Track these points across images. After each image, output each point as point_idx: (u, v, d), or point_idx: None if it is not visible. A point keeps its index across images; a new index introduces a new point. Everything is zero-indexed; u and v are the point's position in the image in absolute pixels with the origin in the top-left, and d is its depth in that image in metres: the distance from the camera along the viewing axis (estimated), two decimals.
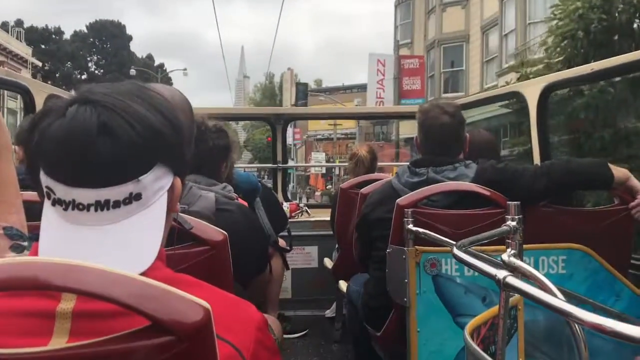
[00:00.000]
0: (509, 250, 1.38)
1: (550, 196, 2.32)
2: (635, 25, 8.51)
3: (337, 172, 29.55)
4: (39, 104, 3.13)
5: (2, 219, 1.17)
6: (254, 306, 0.89)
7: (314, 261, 4.57)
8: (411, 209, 2.10)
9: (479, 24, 21.94)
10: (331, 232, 3.84)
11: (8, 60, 25.79)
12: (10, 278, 0.62)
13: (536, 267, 2.03)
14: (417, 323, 2.04)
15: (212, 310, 0.65)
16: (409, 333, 2.04)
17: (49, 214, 0.80)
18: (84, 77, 51.24)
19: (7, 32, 30.45)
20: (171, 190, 0.86)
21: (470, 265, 1.17)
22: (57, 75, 46.93)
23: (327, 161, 33.05)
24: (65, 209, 0.78)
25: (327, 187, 32.27)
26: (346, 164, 4.27)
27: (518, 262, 1.26)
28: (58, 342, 0.69)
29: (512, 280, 0.94)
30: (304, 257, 4.58)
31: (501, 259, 1.31)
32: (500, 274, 0.97)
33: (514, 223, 1.45)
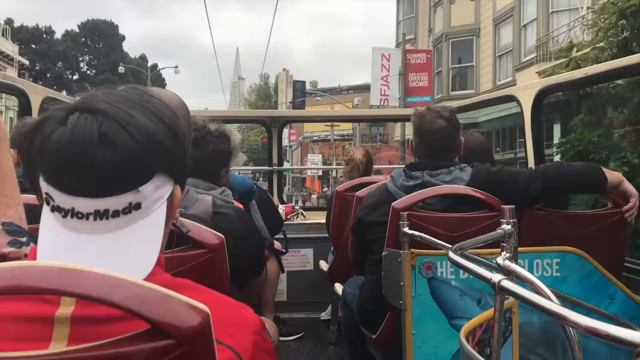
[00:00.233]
0: (503, 253, 1.39)
1: (545, 199, 2.33)
2: None
3: (334, 174, 29.22)
4: (35, 107, 3.13)
5: (1, 214, 1.17)
6: (251, 309, 0.89)
7: (309, 264, 4.57)
8: (407, 212, 2.11)
9: (491, 16, 20.32)
10: (327, 235, 3.84)
11: None
12: (9, 282, 0.63)
13: (530, 270, 2.04)
14: (412, 325, 2.05)
15: (213, 315, 0.66)
16: (405, 335, 2.05)
17: (48, 220, 0.80)
18: (75, 77, 50.44)
19: None
20: (171, 198, 0.87)
21: (466, 269, 1.18)
22: (48, 75, 46.12)
23: (324, 163, 32.28)
24: (65, 217, 0.78)
25: (324, 190, 31.66)
26: (343, 166, 4.28)
27: (513, 266, 1.27)
28: (57, 347, 0.69)
29: (507, 284, 0.95)
30: (299, 259, 4.57)
31: (496, 262, 1.32)
32: (495, 277, 0.98)
33: (508, 226, 1.46)
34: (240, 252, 1.71)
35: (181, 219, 1.41)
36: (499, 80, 19.78)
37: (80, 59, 51.62)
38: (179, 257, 1.36)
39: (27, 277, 0.63)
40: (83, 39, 51.46)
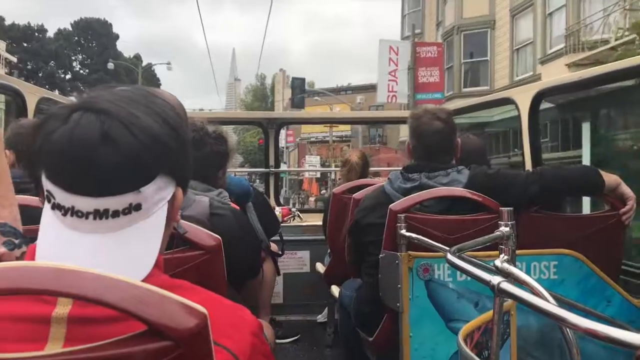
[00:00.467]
0: (502, 255, 1.39)
1: (542, 202, 2.33)
2: None
3: (332, 176, 28.76)
4: (31, 107, 3.11)
5: None
6: (249, 311, 0.89)
7: (305, 266, 4.57)
8: (404, 214, 2.10)
9: (508, 6, 18.70)
10: (323, 237, 3.84)
11: None
12: (5, 284, 0.62)
13: (528, 273, 2.04)
14: (409, 328, 2.04)
15: (210, 316, 0.65)
16: (402, 338, 2.05)
17: (48, 217, 0.80)
18: (68, 76, 49.50)
19: None
20: (172, 201, 0.86)
21: (464, 271, 1.18)
22: (40, 74, 45.19)
23: (322, 165, 31.37)
24: (64, 215, 0.78)
25: (322, 192, 30.89)
26: (339, 169, 4.28)
27: (511, 268, 1.27)
28: (53, 347, 0.68)
29: (506, 286, 0.95)
30: (296, 261, 4.57)
31: (494, 264, 1.32)
32: (495, 279, 0.97)
33: (507, 229, 1.46)
34: (237, 254, 1.70)
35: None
36: (517, 76, 18.20)
37: (73, 58, 50.46)
38: (176, 258, 1.35)
39: (23, 278, 0.63)
40: (76, 38, 50.31)
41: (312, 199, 28.27)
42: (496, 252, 1.46)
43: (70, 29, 50.49)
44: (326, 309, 4.28)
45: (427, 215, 2.20)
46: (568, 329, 1.29)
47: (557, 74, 10.43)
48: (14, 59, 34.09)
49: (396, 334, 2.08)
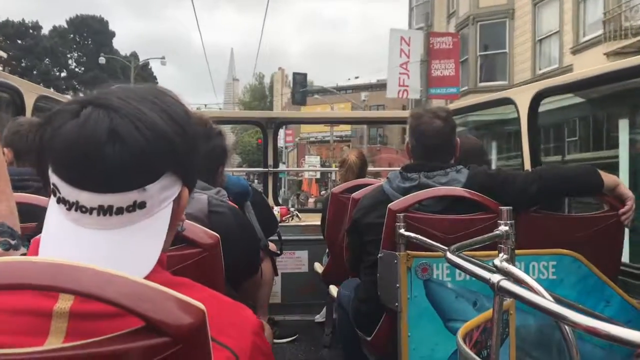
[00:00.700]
0: (501, 255, 1.38)
1: (541, 202, 2.33)
2: None
3: (333, 177, 28.21)
4: (29, 105, 3.10)
5: None
6: (250, 310, 0.89)
7: (304, 266, 4.56)
8: (403, 213, 2.10)
9: None
10: (321, 237, 3.84)
11: None
12: (1, 279, 0.61)
13: (527, 273, 2.03)
14: (408, 328, 2.04)
15: (210, 314, 0.65)
16: (400, 338, 2.04)
17: (53, 211, 0.81)
18: (63, 74, 48.35)
19: None
20: (177, 200, 0.86)
21: (464, 269, 1.17)
22: (34, 72, 44.01)
23: (322, 165, 30.50)
24: (69, 209, 0.78)
25: (322, 193, 29.35)
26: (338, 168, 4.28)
27: (510, 267, 1.26)
28: (54, 341, 0.68)
29: (507, 284, 0.94)
30: (294, 261, 4.56)
31: (493, 263, 1.31)
32: (495, 277, 0.97)
33: (506, 228, 1.45)
34: (236, 252, 1.69)
35: None
36: (540, 69, 16.66)
37: (69, 55, 49.25)
38: (174, 256, 1.34)
39: (19, 274, 0.62)
40: (71, 35, 49.04)
41: (311, 200, 27.57)
42: (495, 252, 1.46)
43: (66, 26, 49.26)
44: (324, 308, 4.28)
45: (426, 215, 2.20)
46: (567, 329, 1.28)
47: (593, 64, 9.26)
48: (4, 55, 33.46)
49: (394, 333, 2.08)
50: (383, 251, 2.17)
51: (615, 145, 10.62)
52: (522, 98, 3.04)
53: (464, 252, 1.42)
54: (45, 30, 47.71)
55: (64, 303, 0.71)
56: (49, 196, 0.82)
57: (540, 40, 16.87)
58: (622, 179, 2.57)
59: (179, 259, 1.35)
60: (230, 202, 2.14)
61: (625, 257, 2.50)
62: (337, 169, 4.57)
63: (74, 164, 0.76)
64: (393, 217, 2.11)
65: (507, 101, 3.23)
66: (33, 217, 1.80)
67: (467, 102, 4.17)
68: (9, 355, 0.61)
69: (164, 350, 0.62)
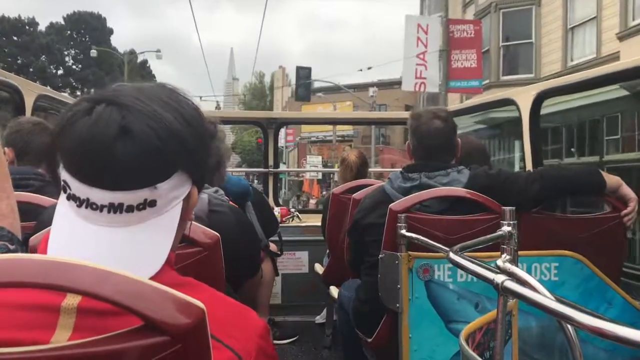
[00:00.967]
0: (504, 255, 1.37)
1: (543, 202, 2.32)
2: None
3: (335, 178, 27.51)
4: (29, 104, 3.09)
5: None
6: (255, 312, 0.89)
7: (304, 266, 4.56)
8: (404, 214, 2.09)
9: None
10: (322, 238, 3.83)
11: None
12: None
13: (528, 274, 2.02)
14: (409, 329, 2.03)
15: (216, 315, 0.65)
16: (401, 339, 2.03)
17: (63, 208, 0.81)
18: (60, 72, 47.17)
19: None
20: (187, 199, 0.86)
21: (467, 270, 1.16)
22: (30, 69, 42.68)
23: (324, 166, 29.70)
24: (79, 206, 0.78)
25: (323, 194, 28.67)
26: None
27: (513, 268, 1.25)
28: (61, 336, 0.68)
29: (511, 285, 0.93)
30: (294, 262, 4.56)
31: (496, 264, 1.30)
32: (499, 278, 0.96)
33: (509, 228, 1.44)
34: (236, 252, 1.68)
35: None
36: (572, 60, 15.02)
37: (66, 52, 47.82)
38: (174, 255, 1.33)
39: (14, 271, 0.61)
40: (68, 32, 47.76)
41: (312, 201, 26.69)
42: (497, 253, 1.45)
43: (63, 22, 48.02)
44: (325, 309, 4.27)
45: (427, 215, 2.19)
46: (571, 331, 1.27)
47: None
48: None
49: (395, 335, 2.07)
50: (384, 252, 2.16)
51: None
52: (524, 99, 3.03)
53: (465, 254, 1.41)
54: (41, 27, 46.69)
55: (72, 299, 0.70)
56: (59, 193, 0.82)
57: (573, 28, 15.11)
58: None
59: (179, 258, 1.33)
60: (230, 202, 2.13)
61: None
62: (338, 169, 4.56)
63: (85, 161, 0.77)
64: (394, 218, 2.10)
65: (509, 102, 3.23)
66: (33, 216, 1.79)
67: (467, 103, 4.16)
68: (9, 354, 0.61)
69: (163, 350, 0.61)
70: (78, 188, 0.78)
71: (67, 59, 47.72)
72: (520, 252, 1.77)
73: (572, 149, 13.42)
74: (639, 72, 2.32)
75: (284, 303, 4.49)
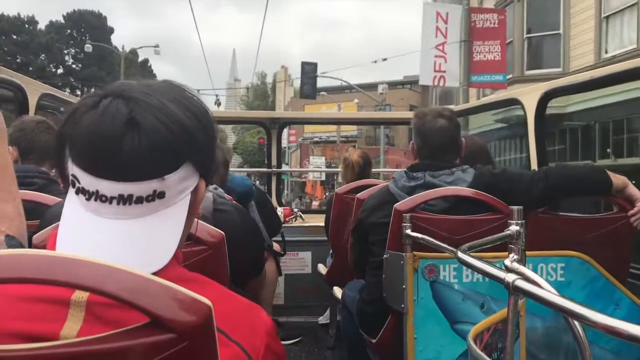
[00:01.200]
0: (511, 255, 1.36)
1: (548, 202, 2.30)
2: None
3: (339, 179, 26.73)
4: (32, 103, 3.09)
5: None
6: (264, 311, 0.88)
7: (307, 267, 4.55)
8: (409, 213, 2.07)
9: None
10: (325, 238, 3.82)
11: None
12: (4, 270, 0.60)
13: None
14: (414, 330, 2.01)
15: (224, 312, 0.64)
16: (406, 340, 2.02)
17: (71, 203, 0.81)
18: (59, 71, 46.66)
19: None
20: (195, 192, 0.86)
21: (477, 269, 1.15)
22: (30, 68, 41.65)
23: (328, 167, 29.07)
24: (88, 199, 0.79)
25: (326, 196, 27.47)
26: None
27: (521, 268, 1.24)
28: (71, 329, 0.68)
29: (522, 284, 0.92)
30: (297, 262, 4.55)
31: (504, 264, 1.29)
32: (510, 277, 0.94)
33: (517, 228, 1.43)
34: (240, 251, 1.68)
35: None
36: (607, 52, 13.61)
37: (65, 51, 47.29)
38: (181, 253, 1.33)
39: (15, 267, 0.61)
40: (68, 31, 47.21)
41: (315, 203, 26.24)
42: (502, 253, 1.44)
43: (63, 21, 47.37)
44: (328, 310, 4.26)
45: (432, 215, 2.17)
46: (580, 331, 1.25)
47: None
48: None
49: (400, 335, 2.05)
50: (389, 252, 2.15)
51: None
52: (529, 99, 3.02)
53: (471, 254, 1.39)
54: (41, 25, 46.10)
55: (82, 292, 0.70)
56: (67, 188, 0.83)
57: (608, 17, 13.67)
58: None
59: (184, 256, 1.33)
60: (234, 202, 2.12)
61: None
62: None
63: (94, 152, 0.77)
64: (399, 217, 2.09)
65: (514, 102, 3.21)
66: (36, 214, 1.79)
67: (472, 103, 4.14)
68: (14, 352, 0.60)
69: (169, 347, 0.60)
70: (87, 181, 0.78)
71: (67, 58, 47.29)
72: (526, 252, 1.75)
73: (608, 150, 12.64)
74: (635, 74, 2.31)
75: (287, 303, 4.48)
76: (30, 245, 1.28)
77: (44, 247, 0.87)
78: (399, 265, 2.04)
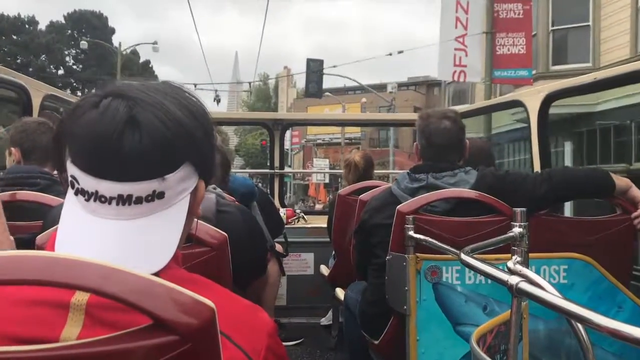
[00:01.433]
0: (514, 257, 1.35)
1: (551, 204, 2.30)
2: None
3: (343, 182, 26.04)
4: (36, 104, 3.09)
5: None
6: (266, 313, 0.88)
7: (309, 268, 4.55)
8: (412, 215, 2.07)
9: None
10: (327, 239, 3.82)
11: None
12: (4, 272, 0.60)
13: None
14: (416, 331, 2.01)
15: (225, 313, 0.64)
16: (408, 341, 2.01)
17: (71, 204, 0.81)
18: (60, 72, 45.95)
19: None
20: (194, 193, 0.86)
21: (481, 271, 1.14)
22: (30, 69, 40.76)
23: (331, 169, 28.45)
24: (87, 200, 0.78)
25: (330, 199, 28.39)
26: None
27: (524, 270, 1.24)
28: (70, 332, 0.68)
29: (525, 286, 0.91)
30: (299, 263, 4.55)
31: (507, 266, 1.29)
32: (513, 279, 0.94)
33: (520, 230, 1.42)
34: (243, 252, 1.68)
35: None
36: None
37: (66, 52, 46.55)
38: (181, 254, 1.32)
39: (14, 268, 0.60)
40: (69, 31, 46.47)
41: (319, 206, 25.04)
42: (504, 255, 1.43)
43: (63, 21, 46.61)
44: (330, 311, 4.25)
45: (435, 217, 2.17)
46: (583, 334, 1.25)
47: None
48: None
49: (402, 337, 2.05)
50: (391, 253, 2.15)
51: None
52: (532, 100, 3.02)
53: (474, 256, 1.39)
54: (41, 26, 45.49)
55: (82, 295, 0.70)
56: (66, 189, 0.82)
57: None
58: None
59: (187, 258, 1.33)
60: (236, 203, 2.12)
61: None
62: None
63: (93, 153, 0.77)
64: (402, 219, 2.08)
65: (517, 104, 3.21)
66: (39, 215, 1.79)
67: (476, 105, 4.14)
68: (14, 353, 0.59)
69: (172, 349, 0.60)
70: (86, 181, 0.77)
71: (67, 58, 46.78)
72: (529, 254, 1.75)
73: None
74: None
75: (289, 304, 4.48)
76: (34, 246, 1.28)
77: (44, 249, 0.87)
78: (401, 267, 2.04)
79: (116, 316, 0.68)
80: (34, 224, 1.83)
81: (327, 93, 32.02)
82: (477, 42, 10.51)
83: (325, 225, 3.96)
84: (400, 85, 36.05)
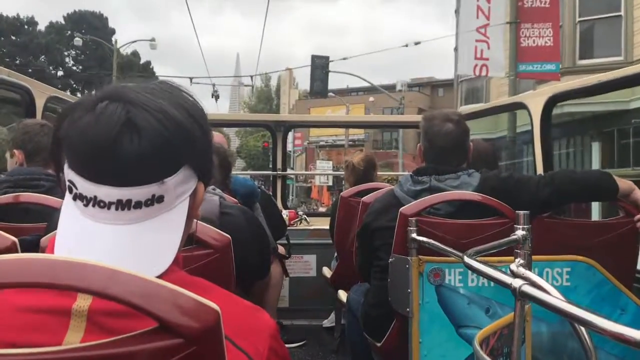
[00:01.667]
0: (517, 260, 1.35)
1: (554, 206, 2.30)
2: None
3: (345, 184, 25.26)
4: (39, 106, 3.10)
5: None
6: (267, 313, 0.87)
7: (312, 270, 4.54)
8: (415, 217, 2.07)
9: None
10: (330, 241, 3.81)
11: None
12: (8, 275, 0.60)
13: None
14: (419, 334, 2.01)
15: (227, 316, 0.63)
16: (411, 344, 2.01)
17: (69, 209, 0.80)
18: (60, 73, 45.24)
19: None
20: (193, 196, 0.85)
21: (484, 274, 1.14)
22: (29, 70, 39.46)
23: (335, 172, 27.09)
24: (86, 205, 0.77)
25: (333, 202, 27.58)
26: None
27: (527, 273, 1.24)
28: (73, 339, 0.67)
29: (529, 289, 0.91)
30: (302, 265, 4.54)
31: (510, 268, 1.29)
32: (516, 282, 0.94)
33: (523, 232, 1.42)
34: (247, 254, 1.68)
35: None
36: None
37: (66, 53, 45.73)
38: (184, 256, 1.32)
39: (19, 271, 0.60)
40: (69, 32, 44.99)
41: (322, 209, 24.83)
42: (507, 258, 1.43)
43: (63, 22, 45.61)
44: (332, 313, 4.25)
45: (438, 219, 2.17)
46: (586, 337, 1.25)
47: None
48: None
49: (405, 339, 2.05)
50: (394, 256, 2.15)
51: None
52: (535, 103, 3.02)
53: (476, 258, 1.39)
54: (41, 26, 44.66)
55: (83, 302, 0.69)
56: (64, 193, 0.81)
57: None
58: None
59: (190, 260, 1.33)
60: (239, 204, 2.13)
61: None
62: None
63: (91, 158, 0.75)
64: (405, 221, 2.08)
65: (520, 106, 3.21)
66: (43, 217, 1.80)
67: (478, 107, 4.14)
68: (21, 356, 0.59)
69: (177, 352, 0.60)
70: (85, 187, 0.76)
71: (67, 59, 46.15)
72: (532, 257, 1.75)
73: None
74: None
75: (291, 306, 4.47)
76: (38, 249, 1.28)
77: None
78: (404, 269, 2.04)
79: (118, 322, 0.68)
80: (38, 225, 1.84)
81: (330, 94, 31.82)
82: (500, 33, 9.51)
83: (327, 227, 3.96)
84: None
